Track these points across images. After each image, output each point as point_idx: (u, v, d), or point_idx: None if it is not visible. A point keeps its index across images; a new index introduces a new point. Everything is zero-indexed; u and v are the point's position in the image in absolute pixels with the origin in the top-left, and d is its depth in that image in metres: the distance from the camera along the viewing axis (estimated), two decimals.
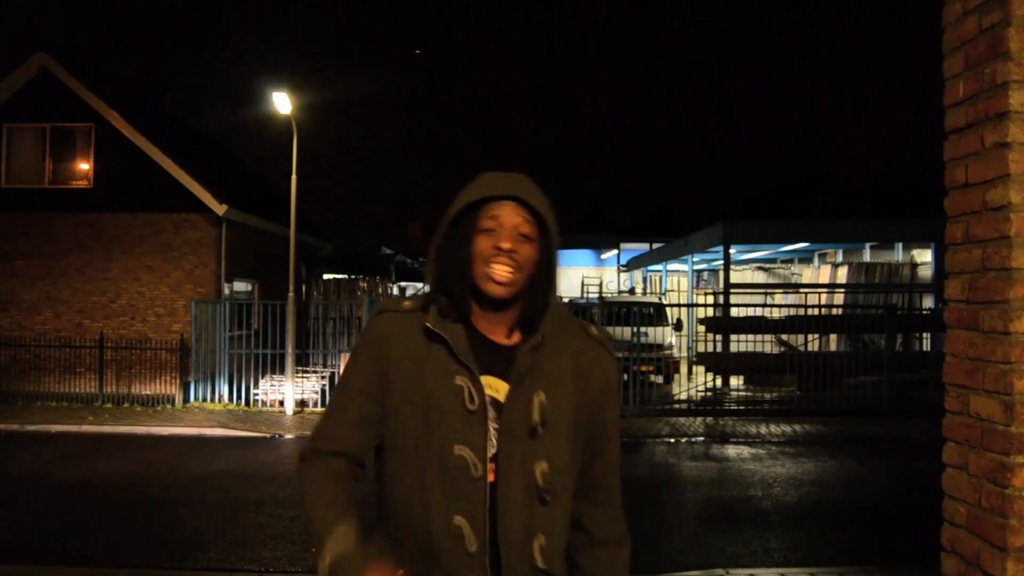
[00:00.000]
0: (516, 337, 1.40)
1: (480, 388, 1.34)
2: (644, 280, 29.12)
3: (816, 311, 14.18)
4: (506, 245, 1.33)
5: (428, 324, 1.37)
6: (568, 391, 1.39)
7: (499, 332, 1.40)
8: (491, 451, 1.33)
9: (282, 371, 12.92)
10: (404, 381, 1.36)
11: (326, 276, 19.71)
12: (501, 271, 1.33)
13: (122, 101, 15.33)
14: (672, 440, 10.20)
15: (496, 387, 1.36)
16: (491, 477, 1.33)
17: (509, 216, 1.34)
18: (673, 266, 25.10)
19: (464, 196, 1.38)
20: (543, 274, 1.38)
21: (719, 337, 14.16)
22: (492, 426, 1.34)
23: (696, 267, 24.56)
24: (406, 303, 1.45)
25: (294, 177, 13.44)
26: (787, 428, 10.96)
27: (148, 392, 13.56)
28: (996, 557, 1.85)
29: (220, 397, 13.20)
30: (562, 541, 1.40)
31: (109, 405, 13.23)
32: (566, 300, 24.94)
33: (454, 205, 1.39)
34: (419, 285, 27.18)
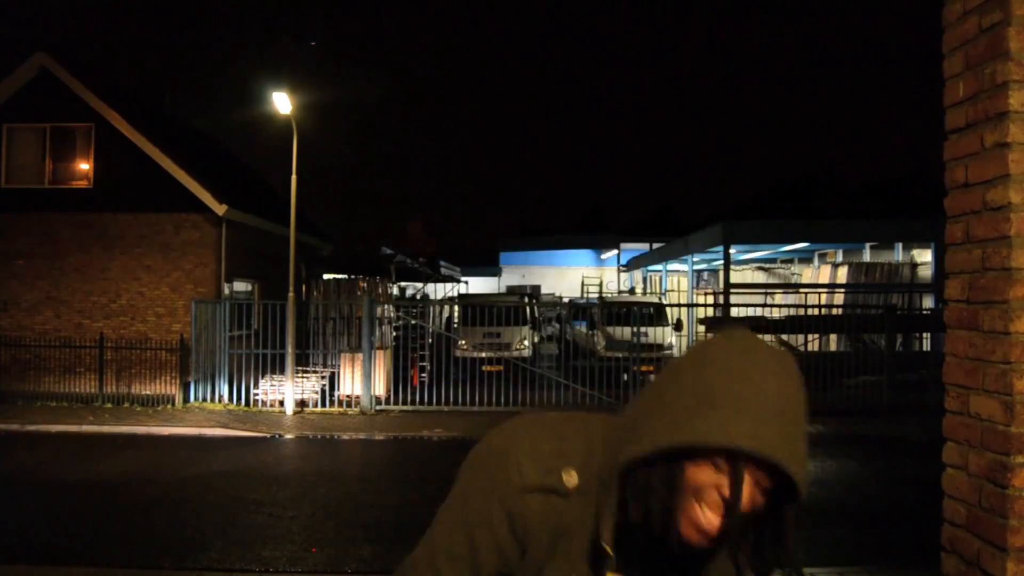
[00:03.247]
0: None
1: None
2: (644, 280, 29.14)
3: (816, 311, 14.19)
4: (734, 501, 0.92)
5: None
6: None
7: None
8: None
9: (282, 371, 12.92)
10: (534, 568, 1.03)
11: (326, 276, 19.71)
12: (712, 520, 0.93)
13: (122, 101, 15.33)
14: None
15: None
16: None
17: (745, 486, 0.92)
18: (673, 266, 25.09)
19: (689, 415, 0.93)
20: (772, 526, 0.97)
21: None
22: None
23: (696, 267, 24.56)
24: (568, 476, 1.01)
25: (294, 177, 13.44)
26: None
27: (148, 392, 13.56)
28: (996, 557, 1.85)
29: (220, 397, 13.20)
30: None
31: (109, 405, 13.23)
32: (566, 300, 24.97)
33: (678, 419, 0.93)
34: (419, 285, 27.15)
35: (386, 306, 14.70)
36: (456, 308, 17.07)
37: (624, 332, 12.73)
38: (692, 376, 0.95)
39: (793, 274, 21.00)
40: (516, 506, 1.01)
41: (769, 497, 0.94)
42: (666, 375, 1.00)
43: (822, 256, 20.82)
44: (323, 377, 13.27)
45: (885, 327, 12.95)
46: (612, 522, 0.98)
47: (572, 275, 33.07)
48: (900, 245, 17.73)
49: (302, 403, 12.68)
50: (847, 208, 18.89)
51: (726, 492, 0.91)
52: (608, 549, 0.97)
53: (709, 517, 0.93)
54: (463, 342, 14.89)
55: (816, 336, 14.43)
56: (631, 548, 0.99)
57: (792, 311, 14.15)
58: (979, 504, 1.93)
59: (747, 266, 22.63)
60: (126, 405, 13.27)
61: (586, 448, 1.02)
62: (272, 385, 12.96)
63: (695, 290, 23.48)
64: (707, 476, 0.92)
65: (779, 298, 18.57)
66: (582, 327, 17.80)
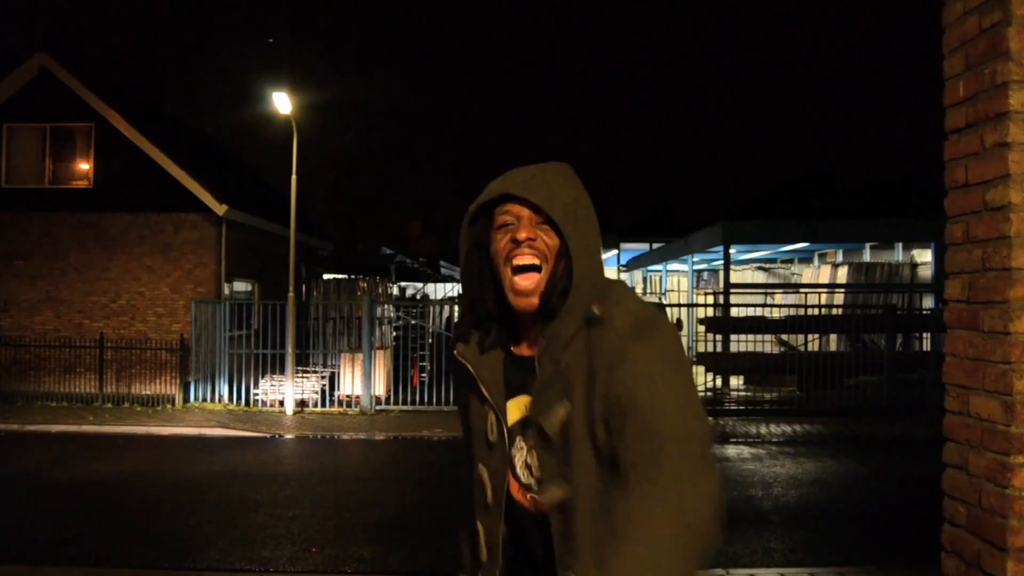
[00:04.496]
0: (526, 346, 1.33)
1: (501, 419, 1.29)
2: (644, 280, 29.12)
3: (816, 311, 14.17)
4: (523, 234, 1.23)
5: (455, 352, 1.35)
6: (585, 389, 1.23)
7: (533, 343, 1.31)
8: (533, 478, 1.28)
9: (282, 371, 12.92)
10: (467, 398, 1.38)
11: (326, 276, 19.71)
12: (523, 259, 1.23)
13: (122, 101, 15.32)
14: None
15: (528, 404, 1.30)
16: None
17: (521, 209, 1.25)
18: (673, 266, 25.08)
19: (472, 206, 1.32)
20: (565, 262, 1.24)
21: (719, 337, 14.15)
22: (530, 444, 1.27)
23: (696, 267, 24.52)
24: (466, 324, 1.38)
25: (294, 177, 13.44)
26: (787, 428, 10.96)
27: (148, 392, 13.56)
28: (996, 557, 1.85)
29: (220, 397, 13.20)
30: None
31: (109, 405, 13.23)
32: None
33: (465, 217, 1.33)
34: (419, 285, 27.16)
35: (386, 306, 14.70)
36: (456, 308, 17.08)
37: None
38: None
39: (793, 274, 20.96)
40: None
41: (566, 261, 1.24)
42: None
43: (822, 256, 20.80)
44: (323, 377, 13.27)
45: (885, 327, 12.94)
46: (467, 335, 1.35)
47: None
48: (900, 245, 17.70)
49: (302, 403, 12.68)
50: (847, 208, 18.87)
51: (507, 216, 1.26)
52: (456, 354, 1.35)
53: (504, 240, 1.25)
54: None
55: (816, 336, 14.41)
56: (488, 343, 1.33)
57: (792, 311, 14.13)
58: (979, 504, 1.93)
59: (747, 266, 22.58)
60: (126, 405, 13.27)
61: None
62: (272, 385, 12.96)
63: (695, 290, 23.46)
64: (499, 237, 1.27)
65: (779, 298, 18.54)
66: None
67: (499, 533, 1.31)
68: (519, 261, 1.23)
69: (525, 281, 1.23)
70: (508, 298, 1.26)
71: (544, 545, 1.25)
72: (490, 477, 1.32)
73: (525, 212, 1.24)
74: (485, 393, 1.30)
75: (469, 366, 1.32)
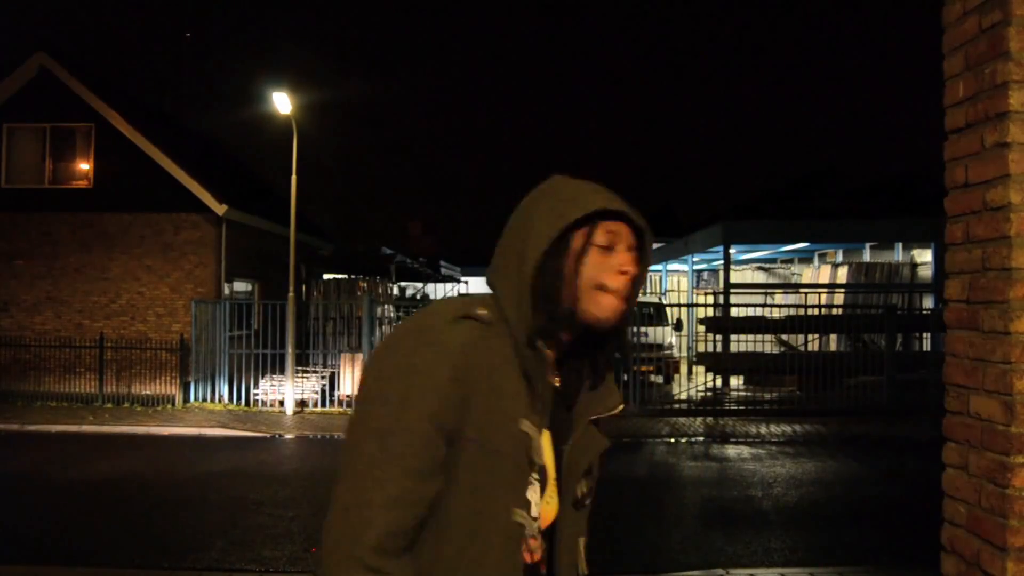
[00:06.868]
0: (555, 377, 1.18)
1: (540, 443, 1.12)
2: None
3: (816, 311, 14.18)
4: (630, 269, 1.13)
5: (537, 353, 1.11)
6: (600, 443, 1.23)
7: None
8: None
9: (282, 371, 12.92)
10: (479, 414, 1.05)
11: (326, 276, 19.70)
12: (617, 303, 1.13)
13: (122, 101, 15.32)
14: (672, 440, 10.20)
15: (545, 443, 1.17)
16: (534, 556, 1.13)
17: (628, 235, 1.14)
18: (673, 266, 25.08)
19: (570, 204, 1.12)
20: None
21: (719, 337, 14.16)
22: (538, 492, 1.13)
23: (696, 267, 24.54)
24: (481, 311, 1.10)
25: (294, 177, 13.44)
26: (787, 428, 10.96)
27: (148, 392, 13.55)
28: (996, 557, 1.85)
29: (220, 397, 13.20)
30: None
31: (109, 405, 13.23)
32: None
33: (563, 209, 1.12)
34: (419, 285, 27.13)
35: (386, 306, 14.70)
36: None
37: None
38: (546, 202, 1.14)
39: (793, 274, 20.97)
40: (447, 340, 1.05)
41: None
42: (514, 220, 1.17)
43: (822, 256, 20.81)
44: (323, 377, 13.27)
45: (885, 327, 12.94)
46: (531, 325, 1.10)
47: None
48: (900, 245, 17.72)
49: (302, 403, 12.68)
50: (847, 208, 18.84)
51: (612, 238, 1.13)
52: (541, 346, 1.10)
53: (606, 266, 1.12)
54: None
55: (816, 336, 14.42)
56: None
57: (792, 311, 14.13)
58: (979, 504, 1.92)
59: (747, 266, 22.59)
60: (126, 405, 13.27)
61: (484, 300, 1.15)
62: (272, 385, 12.96)
63: (695, 290, 23.47)
64: (600, 235, 1.12)
65: (779, 298, 18.55)
66: None
67: None
68: (612, 300, 1.14)
69: (618, 303, 1.14)
70: (585, 313, 1.12)
71: None
72: (529, 519, 1.11)
73: (629, 240, 1.15)
74: (544, 407, 1.14)
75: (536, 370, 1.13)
